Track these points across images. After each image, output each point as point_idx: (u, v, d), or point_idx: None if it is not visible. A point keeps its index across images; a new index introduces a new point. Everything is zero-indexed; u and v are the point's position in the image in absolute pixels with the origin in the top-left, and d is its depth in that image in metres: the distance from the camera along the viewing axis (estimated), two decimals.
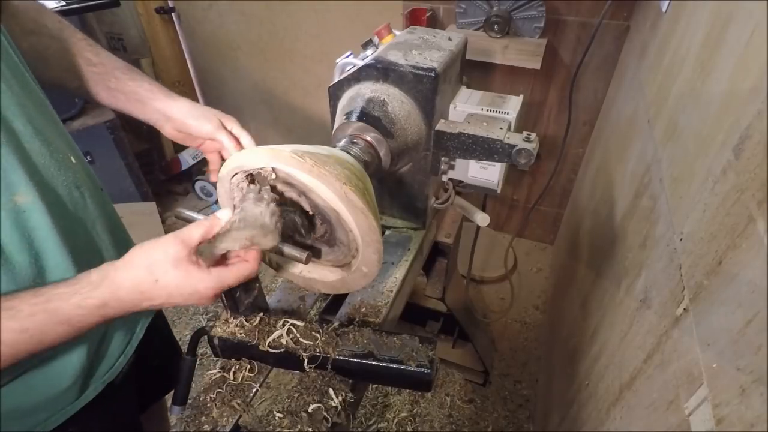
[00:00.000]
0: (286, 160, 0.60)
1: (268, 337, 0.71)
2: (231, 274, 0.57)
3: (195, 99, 2.87)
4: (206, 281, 0.54)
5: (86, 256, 0.65)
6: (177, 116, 0.77)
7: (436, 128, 0.87)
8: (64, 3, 1.97)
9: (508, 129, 0.89)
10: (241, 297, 0.72)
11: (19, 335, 0.45)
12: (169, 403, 0.83)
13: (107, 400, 0.74)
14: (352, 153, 0.77)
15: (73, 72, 0.74)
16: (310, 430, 0.64)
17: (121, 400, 0.80)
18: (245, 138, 0.80)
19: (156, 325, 0.88)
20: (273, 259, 0.78)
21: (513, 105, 0.97)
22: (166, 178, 2.80)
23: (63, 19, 0.75)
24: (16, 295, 0.47)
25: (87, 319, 0.50)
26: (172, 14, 2.50)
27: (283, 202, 0.67)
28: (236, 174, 0.66)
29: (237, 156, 0.64)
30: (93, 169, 0.73)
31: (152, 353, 0.87)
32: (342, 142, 0.81)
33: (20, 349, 0.46)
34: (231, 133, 0.79)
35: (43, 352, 0.49)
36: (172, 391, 0.78)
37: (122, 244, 0.77)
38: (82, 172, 0.68)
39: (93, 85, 0.75)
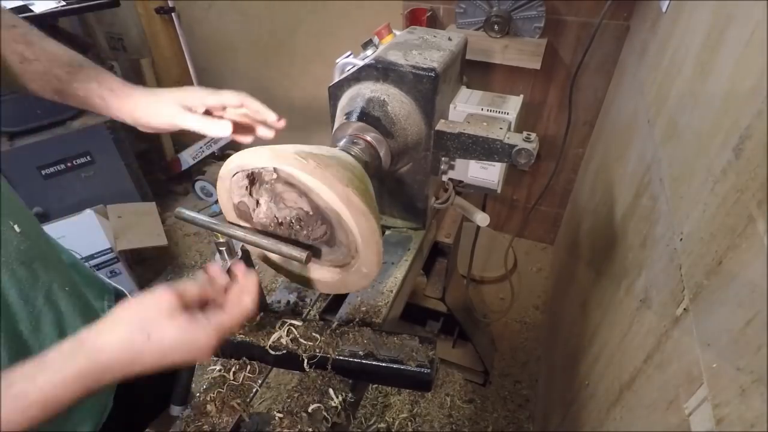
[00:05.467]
0: (289, 161, 0.60)
1: (268, 338, 0.71)
2: (227, 317, 0.51)
3: None
4: (208, 330, 0.47)
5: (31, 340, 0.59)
6: (135, 118, 0.69)
7: (436, 128, 0.87)
8: (64, 3, 1.97)
9: (508, 129, 0.89)
10: None
11: None
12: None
13: None
14: (352, 153, 0.76)
15: (6, 70, 0.63)
16: (310, 430, 0.64)
17: None
18: (230, 97, 0.71)
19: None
20: (273, 259, 0.78)
21: (513, 105, 0.97)
22: (166, 178, 2.80)
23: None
24: None
25: (62, 396, 0.42)
26: (172, 14, 2.50)
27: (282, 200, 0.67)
28: (237, 173, 0.66)
29: (239, 155, 0.64)
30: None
31: (138, 394, 0.78)
32: (342, 142, 0.81)
33: None
34: (194, 113, 0.69)
35: None
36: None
37: (83, 304, 0.71)
38: (27, 239, 0.60)
39: (37, 86, 0.66)
